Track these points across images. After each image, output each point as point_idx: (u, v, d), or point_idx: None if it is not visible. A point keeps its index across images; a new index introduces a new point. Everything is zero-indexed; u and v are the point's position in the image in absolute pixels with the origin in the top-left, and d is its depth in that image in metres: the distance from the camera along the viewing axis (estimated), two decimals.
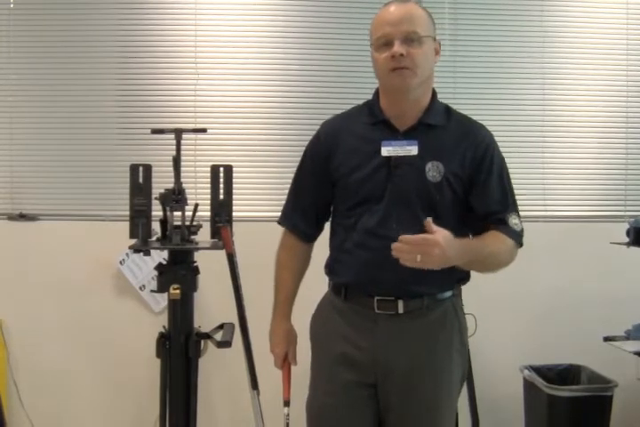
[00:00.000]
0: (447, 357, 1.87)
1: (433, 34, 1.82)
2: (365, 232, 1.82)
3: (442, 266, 1.64)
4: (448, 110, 1.90)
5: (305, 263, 2.06)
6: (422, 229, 1.62)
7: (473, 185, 1.83)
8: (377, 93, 1.91)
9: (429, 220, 1.62)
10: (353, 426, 1.87)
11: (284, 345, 2.03)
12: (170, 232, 2.43)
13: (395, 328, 1.83)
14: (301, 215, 2.00)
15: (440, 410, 1.86)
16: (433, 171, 1.80)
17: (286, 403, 2.04)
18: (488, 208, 1.84)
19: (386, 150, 1.81)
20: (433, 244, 1.58)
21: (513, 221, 1.83)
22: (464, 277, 1.92)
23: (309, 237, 2.04)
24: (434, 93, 1.89)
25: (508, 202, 1.86)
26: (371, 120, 1.88)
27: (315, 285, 1.98)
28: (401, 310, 1.82)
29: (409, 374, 1.83)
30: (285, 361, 2.03)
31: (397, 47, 1.74)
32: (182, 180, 2.44)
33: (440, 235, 1.60)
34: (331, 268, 1.94)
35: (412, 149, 1.80)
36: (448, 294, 1.88)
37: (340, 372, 1.85)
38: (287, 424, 2.08)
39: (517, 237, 1.84)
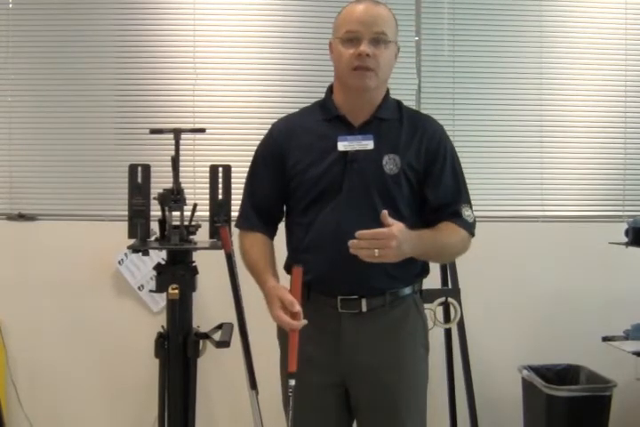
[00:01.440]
0: (412, 352, 1.89)
1: (396, 39, 1.84)
2: (323, 229, 1.80)
3: (399, 258, 1.66)
4: (399, 105, 1.92)
5: (273, 248, 1.93)
6: (381, 224, 1.63)
7: (427, 176, 1.85)
8: (330, 90, 1.93)
9: (385, 213, 1.64)
10: None
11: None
12: (168, 232, 2.43)
13: (359, 327, 1.84)
14: (260, 216, 1.95)
15: (410, 403, 1.87)
16: (390, 164, 1.82)
17: (292, 375, 1.72)
18: (441, 199, 1.86)
19: (342, 145, 1.81)
20: (390, 237, 1.60)
21: (466, 213, 1.86)
22: (421, 271, 1.94)
23: (270, 235, 1.98)
24: (387, 90, 1.91)
25: (460, 192, 1.89)
26: (325, 116, 1.88)
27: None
28: (364, 309, 1.83)
29: (376, 372, 1.83)
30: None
31: (365, 47, 1.75)
32: (181, 180, 2.45)
33: (396, 228, 1.62)
34: (291, 268, 1.89)
35: (368, 144, 1.80)
36: (409, 290, 1.89)
37: (307, 375, 1.81)
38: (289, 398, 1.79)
39: (470, 228, 1.87)
